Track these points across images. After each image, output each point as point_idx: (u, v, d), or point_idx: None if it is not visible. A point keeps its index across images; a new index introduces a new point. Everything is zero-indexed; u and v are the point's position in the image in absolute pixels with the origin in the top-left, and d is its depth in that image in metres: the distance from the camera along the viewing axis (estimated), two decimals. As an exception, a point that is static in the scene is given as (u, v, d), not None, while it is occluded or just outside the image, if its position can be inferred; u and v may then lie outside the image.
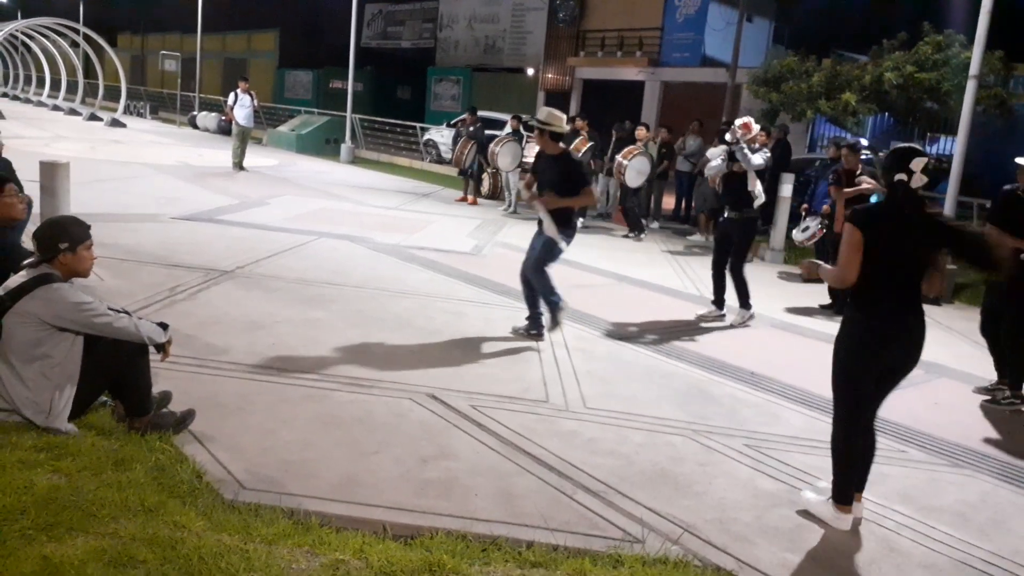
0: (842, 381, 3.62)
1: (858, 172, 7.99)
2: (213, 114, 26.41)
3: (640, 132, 12.37)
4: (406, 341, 5.63)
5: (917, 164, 3.44)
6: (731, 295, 7.15)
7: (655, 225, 12.87)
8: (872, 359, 3.53)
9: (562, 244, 5.91)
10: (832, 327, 7.29)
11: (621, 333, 6.47)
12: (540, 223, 6.00)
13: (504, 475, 3.73)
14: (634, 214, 11.86)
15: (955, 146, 9.57)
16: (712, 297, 7.27)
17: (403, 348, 5.46)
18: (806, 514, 3.66)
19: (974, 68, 9.10)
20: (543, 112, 5.96)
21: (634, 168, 11.52)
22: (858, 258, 3.47)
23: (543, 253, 5.99)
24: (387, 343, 5.54)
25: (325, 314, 6.12)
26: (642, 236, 11.78)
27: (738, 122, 7.16)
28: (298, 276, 7.24)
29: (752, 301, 7.17)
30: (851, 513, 3.59)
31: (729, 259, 7.12)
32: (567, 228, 5.95)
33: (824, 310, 7.88)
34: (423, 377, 4.93)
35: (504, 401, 4.68)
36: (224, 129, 23.22)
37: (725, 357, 6.01)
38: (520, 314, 6.25)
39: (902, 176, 3.46)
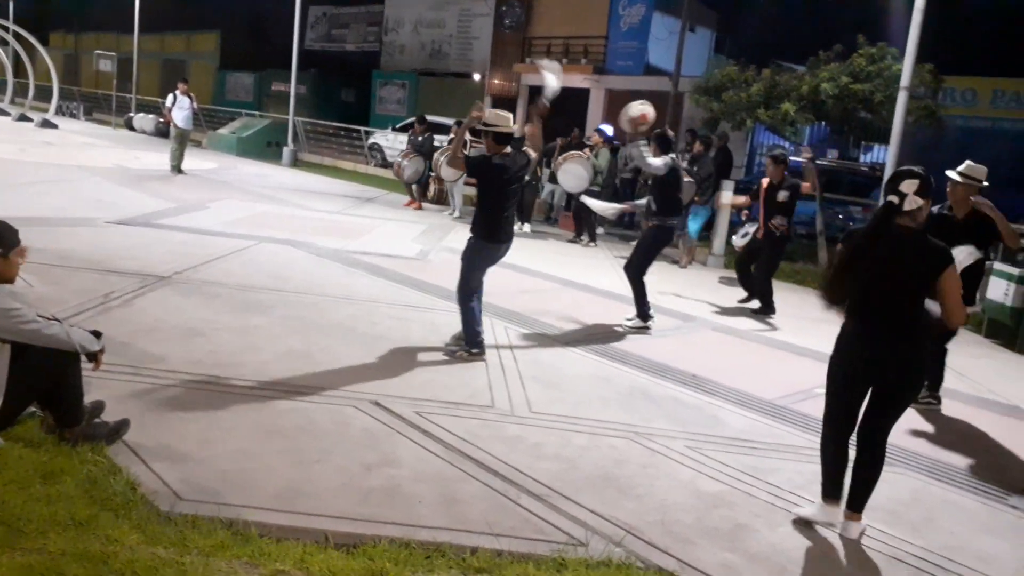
0: (827, 384, 3.72)
1: (778, 183, 8.06)
2: (150, 116, 25.75)
3: (594, 137, 12.56)
4: (349, 348, 5.56)
5: (908, 186, 3.43)
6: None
7: (600, 231, 13.00)
8: (845, 371, 3.60)
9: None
10: (769, 331, 7.55)
11: (566, 338, 6.50)
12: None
13: (448, 481, 3.72)
14: (588, 220, 11.95)
15: (887, 155, 9.90)
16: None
17: (346, 355, 5.39)
18: (799, 523, 3.72)
19: (905, 80, 9.43)
20: (489, 113, 5.69)
21: (569, 172, 11.53)
22: (843, 275, 3.51)
23: (463, 266, 5.70)
24: (330, 350, 5.46)
25: (265, 320, 6.01)
26: (592, 243, 11.90)
27: (632, 112, 6.41)
28: (238, 282, 7.09)
29: (682, 304, 7.20)
30: (837, 506, 3.67)
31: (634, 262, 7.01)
32: (480, 233, 5.63)
33: (755, 313, 8.09)
34: (366, 384, 4.88)
35: (449, 407, 4.66)
36: (162, 131, 22.65)
37: (667, 360, 6.10)
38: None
39: (892, 198, 3.45)
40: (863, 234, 3.54)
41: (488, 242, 5.66)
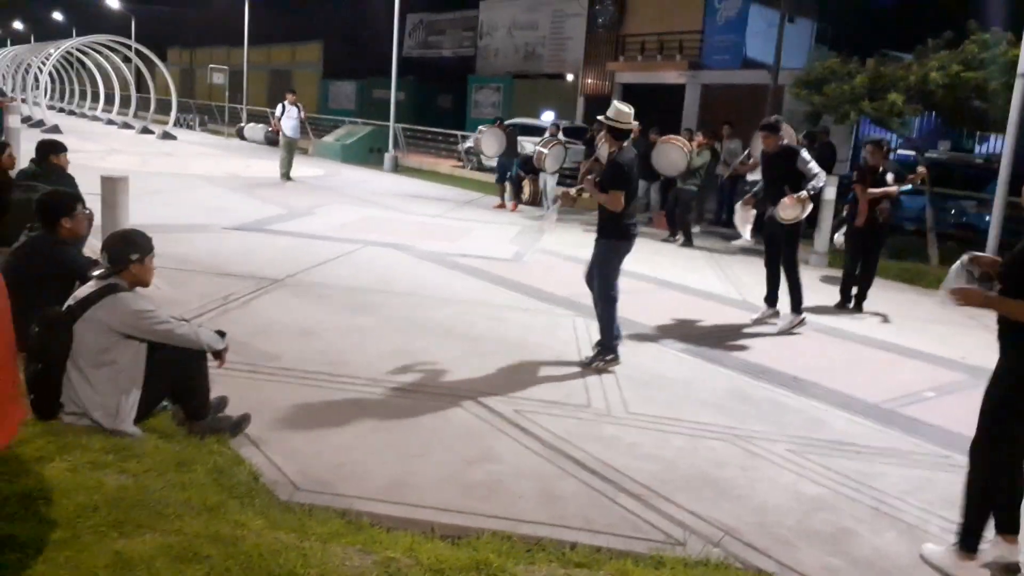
0: (1010, 405, 3.24)
1: (881, 170, 7.84)
2: (260, 125, 26.99)
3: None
4: (450, 347, 5.75)
5: None
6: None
7: (696, 229, 12.83)
8: None
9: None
10: (869, 328, 7.29)
11: (662, 338, 6.51)
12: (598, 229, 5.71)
13: (547, 478, 3.82)
14: (682, 219, 11.83)
15: (1003, 146, 9.39)
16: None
17: (447, 354, 5.58)
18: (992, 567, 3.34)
19: (1022, 66, 8.93)
20: (612, 108, 5.53)
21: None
22: None
23: (600, 267, 5.65)
24: (431, 349, 5.67)
25: (371, 320, 6.28)
26: (687, 242, 11.75)
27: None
28: (345, 284, 7.42)
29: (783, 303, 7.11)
30: (975, 561, 3.29)
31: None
32: (610, 234, 5.60)
33: (844, 309, 7.94)
34: (466, 382, 5.05)
35: (546, 406, 4.77)
36: (271, 140, 23.72)
37: (766, 361, 6.02)
38: (561, 321, 6.33)
39: None
40: None
41: (621, 240, 5.61)
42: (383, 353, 5.49)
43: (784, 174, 6.83)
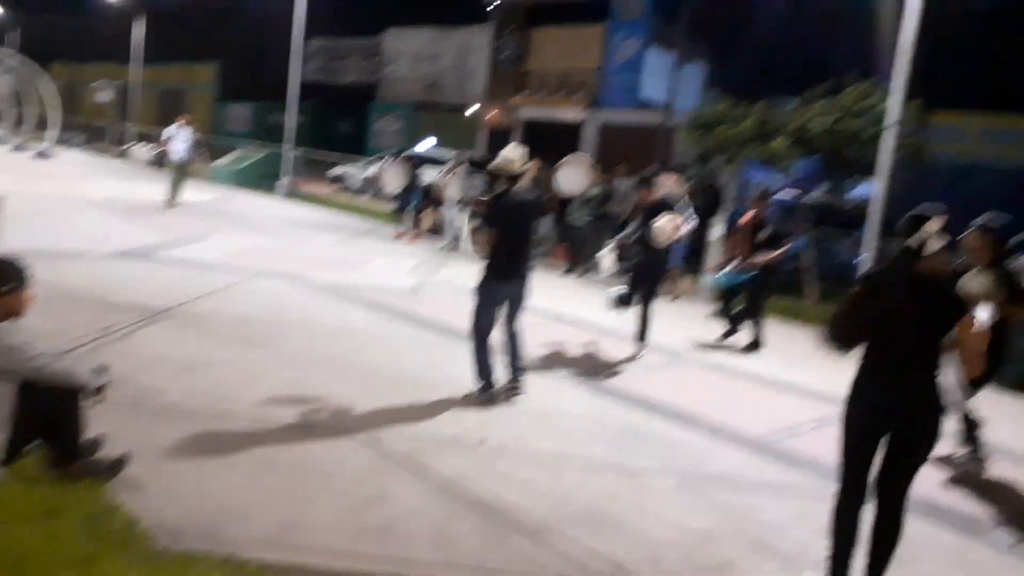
0: (842, 439, 3.48)
1: (760, 223, 8.22)
2: (148, 146, 25.97)
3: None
4: (345, 383, 5.65)
5: (930, 228, 3.29)
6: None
7: (594, 265, 13.14)
8: (863, 422, 3.41)
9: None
10: (752, 363, 7.64)
11: (557, 372, 6.60)
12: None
13: (442, 518, 3.79)
14: (576, 253, 12.10)
15: (875, 190, 10.09)
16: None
17: (342, 390, 5.48)
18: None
19: (891, 118, 9.64)
20: (499, 154, 5.68)
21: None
22: (854, 317, 3.41)
23: (473, 302, 5.68)
24: (326, 385, 5.55)
25: (263, 354, 6.10)
26: (585, 274, 12.02)
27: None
28: (235, 315, 7.19)
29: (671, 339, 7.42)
30: None
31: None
32: (485, 271, 5.61)
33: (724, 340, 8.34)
34: (362, 420, 4.97)
35: (443, 443, 4.74)
36: (159, 162, 22.84)
37: (657, 396, 6.19)
38: (460, 355, 6.30)
39: (913, 242, 3.32)
40: (881, 277, 3.49)
41: (493, 280, 5.62)
42: (275, 389, 5.33)
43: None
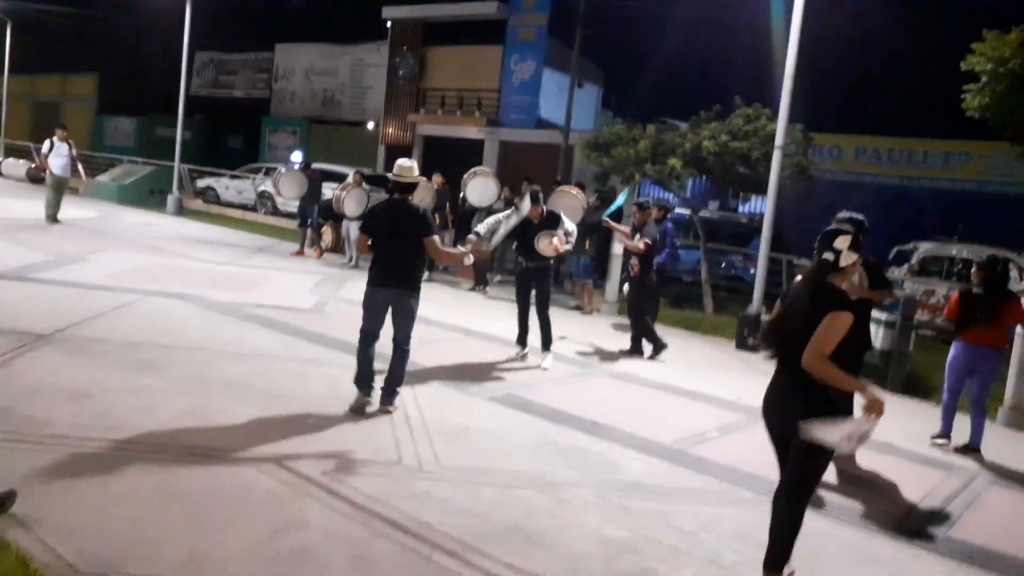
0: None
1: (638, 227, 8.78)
2: (22, 161, 24.40)
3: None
4: (247, 406, 5.41)
5: (842, 243, 3.49)
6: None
7: (497, 279, 13.19)
8: (768, 424, 3.72)
9: None
10: (664, 373, 7.84)
11: (469, 388, 6.56)
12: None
13: (359, 542, 3.68)
14: (481, 269, 12.11)
15: (765, 207, 10.58)
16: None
17: (244, 414, 5.24)
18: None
19: (779, 140, 10.15)
20: (396, 164, 5.79)
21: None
22: (776, 327, 3.73)
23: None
24: (227, 409, 5.30)
25: (157, 380, 5.78)
26: (488, 290, 12.05)
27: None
28: (125, 338, 6.80)
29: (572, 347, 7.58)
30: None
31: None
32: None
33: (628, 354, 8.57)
34: (268, 444, 4.77)
35: (356, 465, 4.61)
36: (36, 178, 21.51)
37: (568, 407, 6.24)
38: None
39: (828, 256, 3.52)
40: (797, 291, 3.64)
41: (368, 286, 5.74)
42: (172, 415, 5.06)
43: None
